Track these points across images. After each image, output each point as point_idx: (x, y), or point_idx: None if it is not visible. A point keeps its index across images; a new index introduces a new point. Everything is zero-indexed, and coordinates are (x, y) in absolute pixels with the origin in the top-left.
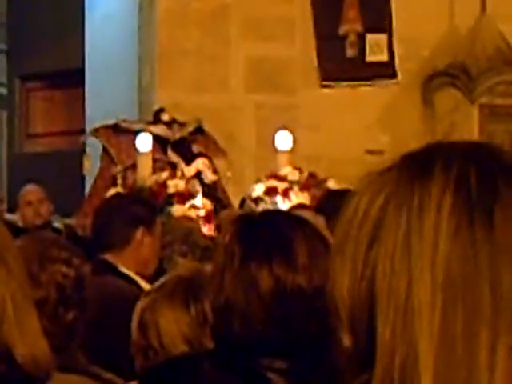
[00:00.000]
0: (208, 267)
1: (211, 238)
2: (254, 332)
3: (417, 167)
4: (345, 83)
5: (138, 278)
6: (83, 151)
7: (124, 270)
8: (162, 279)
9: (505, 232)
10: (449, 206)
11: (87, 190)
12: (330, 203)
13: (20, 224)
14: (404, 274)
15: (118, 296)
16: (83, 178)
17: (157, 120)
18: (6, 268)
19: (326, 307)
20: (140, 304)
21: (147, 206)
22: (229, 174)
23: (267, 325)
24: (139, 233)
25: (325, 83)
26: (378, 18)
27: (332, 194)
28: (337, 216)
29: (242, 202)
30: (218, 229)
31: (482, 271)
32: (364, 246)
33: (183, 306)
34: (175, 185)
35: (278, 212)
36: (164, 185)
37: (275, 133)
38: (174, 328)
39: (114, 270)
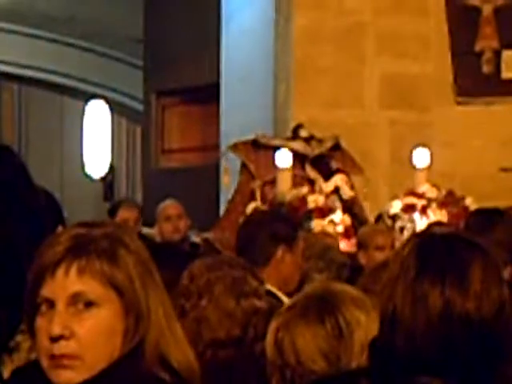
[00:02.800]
0: (337, 285)
1: (349, 255)
2: (415, 348)
3: None
4: (480, 100)
5: (280, 294)
6: (218, 166)
7: (268, 286)
8: (293, 299)
9: None
10: None
11: (222, 204)
12: (478, 221)
13: (158, 239)
14: None
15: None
16: (217, 194)
17: (295, 136)
18: (153, 279)
19: (492, 336)
20: (273, 323)
21: (289, 223)
22: (365, 190)
23: (430, 343)
24: (280, 251)
25: (460, 100)
26: None
27: (479, 212)
28: (483, 234)
29: (378, 219)
30: (359, 245)
31: None
32: None
33: (318, 321)
34: (315, 200)
35: (459, 234)
36: (304, 200)
37: (409, 149)
38: (310, 343)
39: None
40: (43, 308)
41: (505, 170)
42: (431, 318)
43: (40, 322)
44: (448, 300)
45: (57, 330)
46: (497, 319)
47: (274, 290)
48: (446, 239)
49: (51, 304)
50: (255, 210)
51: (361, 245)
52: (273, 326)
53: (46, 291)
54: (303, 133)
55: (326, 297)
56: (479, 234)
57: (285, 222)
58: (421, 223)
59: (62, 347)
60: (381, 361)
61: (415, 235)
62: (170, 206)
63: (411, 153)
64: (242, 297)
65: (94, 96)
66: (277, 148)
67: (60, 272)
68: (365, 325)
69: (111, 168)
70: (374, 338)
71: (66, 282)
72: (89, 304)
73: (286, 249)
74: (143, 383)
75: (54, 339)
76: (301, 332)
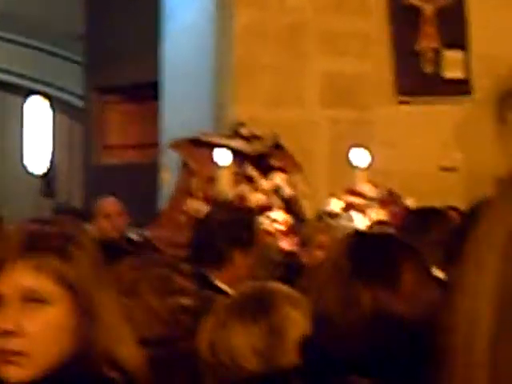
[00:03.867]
0: (272, 284)
1: (290, 253)
2: (347, 348)
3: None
4: (420, 99)
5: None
6: (157, 164)
7: (221, 285)
8: (226, 299)
9: None
10: None
11: (161, 202)
12: (415, 221)
13: (96, 235)
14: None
15: None
16: (156, 191)
17: (236, 134)
18: (104, 278)
19: (422, 337)
20: (207, 322)
21: (247, 226)
22: (304, 188)
23: (361, 343)
24: (237, 253)
25: (401, 99)
26: (455, 35)
27: (416, 211)
28: (422, 234)
29: (318, 217)
30: (301, 243)
31: None
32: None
33: (252, 320)
34: (256, 198)
35: (390, 235)
36: (244, 198)
37: (350, 148)
38: (244, 342)
39: (210, 285)
40: None
41: (445, 169)
42: (362, 319)
43: None
44: (380, 301)
45: (8, 325)
46: (427, 320)
47: (228, 289)
48: (378, 240)
49: (1, 299)
50: (210, 210)
51: (303, 243)
52: (206, 325)
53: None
54: (244, 131)
55: (261, 296)
56: (416, 233)
57: (241, 225)
58: (360, 222)
59: (10, 343)
60: (313, 360)
61: (348, 236)
62: (109, 204)
63: (351, 151)
64: (168, 295)
65: (34, 92)
66: (217, 146)
67: (13, 268)
68: (300, 324)
69: (51, 164)
70: (306, 337)
71: (18, 279)
72: (40, 301)
73: (241, 251)
74: (92, 382)
75: (5, 334)
76: (235, 330)
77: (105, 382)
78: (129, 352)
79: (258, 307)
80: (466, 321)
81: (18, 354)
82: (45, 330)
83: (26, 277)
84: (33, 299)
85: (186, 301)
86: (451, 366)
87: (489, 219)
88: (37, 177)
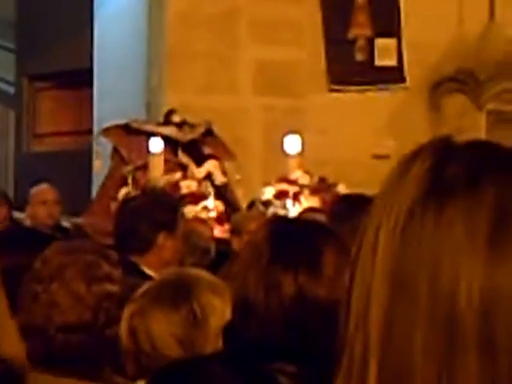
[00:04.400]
0: (192, 270)
1: (222, 240)
2: (269, 335)
3: (402, 166)
4: (353, 87)
5: None
6: (91, 151)
7: (148, 271)
8: (146, 285)
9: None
10: (409, 200)
11: (94, 189)
12: (343, 208)
13: (27, 223)
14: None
15: None
16: (90, 178)
17: (167, 121)
18: None
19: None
20: (127, 310)
21: (168, 208)
22: (238, 176)
23: (284, 329)
24: (161, 237)
25: (333, 87)
26: (388, 23)
27: (344, 198)
28: (349, 220)
29: (251, 205)
30: (232, 231)
31: (422, 268)
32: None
33: (172, 307)
34: (188, 186)
35: (312, 221)
36: (176, 185)
37: (283, 136)
38: (165, 329)
39: (138, 271)
40: None
41: (377, 157)
42: (285, 303)
43: None
44: (301, 285)
45: None
46: None
47: (154, 274)
48: (299, 225)
49: None
50: (132, 196)
51: (234, 231)
52: (126, 312)
53: None
54: (176, 118)
55: (181, 283)
56: (342, 220)
57: (164, 208)
58: (293, 209)
59: None
60: (234, 346)
61: (267, 221)
62: (46, 191)
63: (284, 139)
64: (94, 281)
65: None
66: (149, 133)
67: None
68: (220, 310)
69: None
70: (227, 323)
71: None
72: None
73: (166, 234)
74: None
75: None
76: (155, 317)
77: None
78: (11, 347)
79: (177, 294)
80: (362, 297)
81: None
82: None
83: None
84: None
85: (111, 287)
86: (347, 340)
87: (382, 199)
88: None
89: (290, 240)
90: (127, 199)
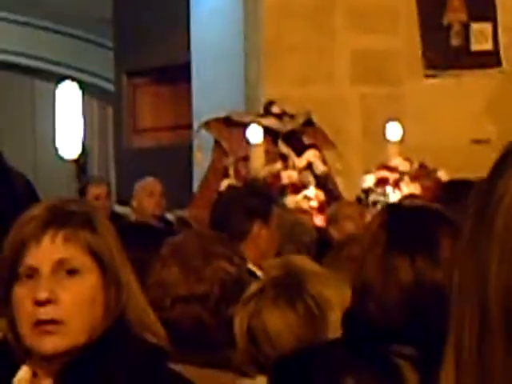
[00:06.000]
0: (296, 261)
1: (322, 229)
2: (388, 318)
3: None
4: (449, 72)
5: (256, 269)
6: (191, 145)
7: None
8: (255, 285)
9: None
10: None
11: (196, 183)
12: (448, 194)
13: (133, 216)
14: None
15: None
16: (191, 172)
17: (267, 112)
18: (124, 253)
19: None
20: (242, 312)
21: (264, 198)
22: (338, 165)
23: (401, 313)
24: (256, 226)
25: (429, 73)
26: (483, 7)
27: (450, 184)
28: (454, 207)
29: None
30: (329, 221)
31: None
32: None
33: (289, 306)
34: (289, 176)
35: (426, 206)
36: (277, 176)
37: (381, 124)
38: (284, 329)
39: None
40: (24, 278)
41: (476, 141)
42: (402, 288)
43: (21, 290)
44: (418, 271)
45: (44, 294)
46: None
47: (249, 265)
48: (414, 211)
49: (34, 272)
50: (228, 186)
51: (330, 220)
52: (241, 314)
53: (31, 259)
54: (275, 109)
55: (291, 276)
56: (450, 206)
57: (259, 197)
58: (393, 196)
59: (49, 311)
60: (355, 331)
61: (384, 209)
62: (153, 183)
63: (383, 127)
64: (212, 257)
65: (65, 78)
66: (249, 125)
67: (45, 240)
68: (333, 302)
69: (84, 149)
70: (348, 308)
71: (51, 250)
72: (72, 272)
73: (261, 224)
74: (139, 349)
75: (41, 304)
76: (272, 318)
77: (151, 346)
78: (152, 320)
79: (290, 291)
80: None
81: (54, 322)
82: (79, 300)
83: (56, 249)
84: (65, 269)
85: (229, 267)
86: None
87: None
88: (69, 162)
89: (406, 226)
90: (224, 190)
